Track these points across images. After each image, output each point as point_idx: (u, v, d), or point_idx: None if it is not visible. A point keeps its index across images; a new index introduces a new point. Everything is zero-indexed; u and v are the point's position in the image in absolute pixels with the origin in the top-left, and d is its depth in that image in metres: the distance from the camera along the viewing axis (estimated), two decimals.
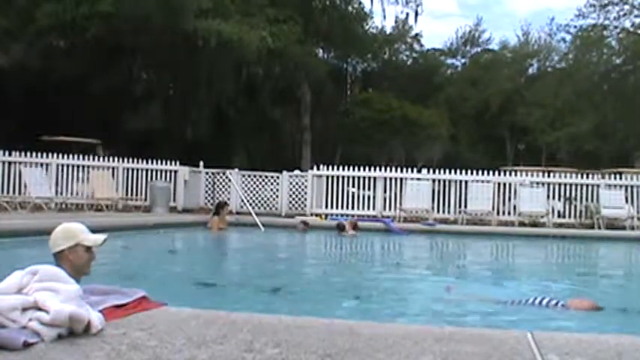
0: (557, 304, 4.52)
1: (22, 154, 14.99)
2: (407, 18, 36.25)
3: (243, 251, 10.45)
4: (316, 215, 15.46)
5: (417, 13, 33.48)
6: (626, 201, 15.50)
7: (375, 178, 16.31)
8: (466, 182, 15.91)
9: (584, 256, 11.72)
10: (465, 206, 15.59)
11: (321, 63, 30.76)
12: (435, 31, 67.47)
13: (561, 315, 4.35)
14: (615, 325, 4.33)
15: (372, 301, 5.26)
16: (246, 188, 16.46)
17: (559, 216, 16.04)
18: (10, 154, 14.90)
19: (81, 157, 15.64)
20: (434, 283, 6.75)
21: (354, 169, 16.38)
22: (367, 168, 16.44)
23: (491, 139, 40.59)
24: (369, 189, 16.35)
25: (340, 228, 12.41)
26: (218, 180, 16.68)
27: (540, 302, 4.57)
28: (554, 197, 16.13)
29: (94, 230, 3.35)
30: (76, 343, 1.86)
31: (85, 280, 3.10)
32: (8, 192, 14.44)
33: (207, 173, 16.80)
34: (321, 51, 33.00)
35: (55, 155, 15.43)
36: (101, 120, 22.58)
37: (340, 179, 16.30)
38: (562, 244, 12.58)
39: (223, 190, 16.53)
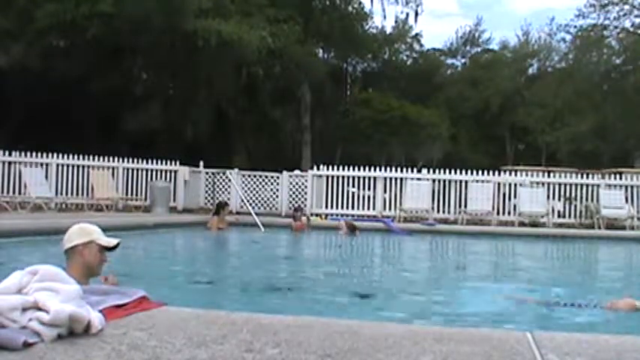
0: (596, 305, 4.45)
1: (22, 154, 14.99)
2: (407, 18, 36.34)
3: (244, 251, 10.44)
4: (316, 215, 15.46)
5: (417, 13, 33.58)
6: (626, 201, 15.51)
7: (375, 178, 16.31)
8: (466, 182, 15.92)
9: (589, 256, 11.69)
10: (465, 206, 15.59)
11: (321, 63, 30.76)
12: (435, 31, 67.62)
13: (603, 316, 4.28)
14: None
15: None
16: (246, 188, 16.46)
17: (559, 216, 16.04)
18: (10, 154, 14.90)
19: (81, 157, 15.63)
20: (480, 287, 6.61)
21: (354, 169, 16.38)
22: (367, 168, 16.44)
23: (492, 139, 40.58)
24: (369, 189, 16.35)
25: (351, 228, 12.26)
26: (218, 180, 16.68)
27: (579, 303, 4.51)
28: (554, 197, 16.13)
29: None
30: (76, 343, 1.86)
31: None
32: (8, 192, 14.43)
33: (207, 173, 16.80)
34: (321, 51, 33.00)
35: (55, 155, 15.43)
36: (101, 120, 22.58)
37: (340, 179, 16.30)
38: (564, 244, 12.56)
39: (223, 190, 16.53)
